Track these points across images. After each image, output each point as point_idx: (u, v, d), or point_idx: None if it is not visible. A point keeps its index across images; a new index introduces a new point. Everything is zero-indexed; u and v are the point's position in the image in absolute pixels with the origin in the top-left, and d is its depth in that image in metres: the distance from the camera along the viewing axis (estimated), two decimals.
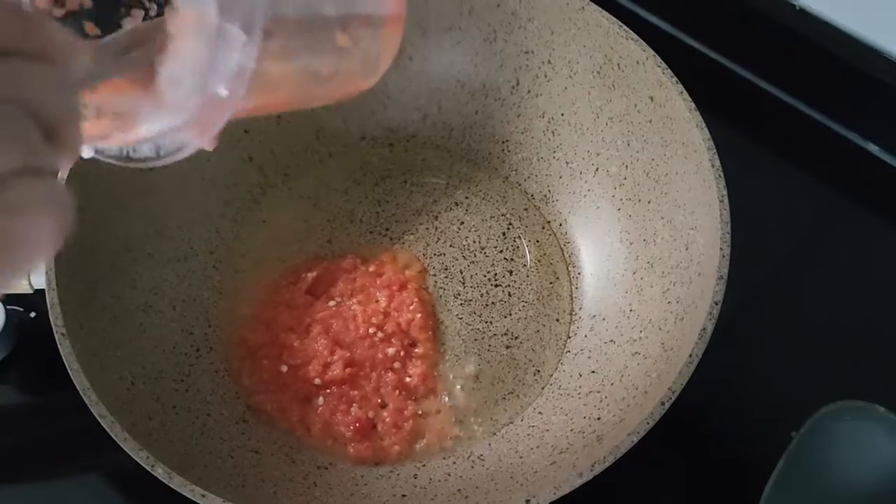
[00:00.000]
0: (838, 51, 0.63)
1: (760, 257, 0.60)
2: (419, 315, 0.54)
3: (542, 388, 0.53)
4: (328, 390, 0.52)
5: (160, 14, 0.34)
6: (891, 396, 0.56)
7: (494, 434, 0.52)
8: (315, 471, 0.50)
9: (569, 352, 0.54)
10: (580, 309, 0.56)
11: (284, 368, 0.52)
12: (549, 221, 0.59)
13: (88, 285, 0.49)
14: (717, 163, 0.48)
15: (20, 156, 0.24)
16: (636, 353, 0.50)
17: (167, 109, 0.28)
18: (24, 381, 0.58)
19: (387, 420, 0.51)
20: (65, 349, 0.44)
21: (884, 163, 0.65)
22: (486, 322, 0.56)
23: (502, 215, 0.59)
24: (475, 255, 0.58)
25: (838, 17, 0.63)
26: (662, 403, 0.42)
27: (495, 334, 0.55)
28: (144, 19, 0.34)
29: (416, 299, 0.55)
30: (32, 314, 0.59)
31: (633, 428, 0.42)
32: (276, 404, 0.52)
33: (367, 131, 0.62)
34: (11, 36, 0.24)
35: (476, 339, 0.55)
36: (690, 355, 0.44)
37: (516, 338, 0.55)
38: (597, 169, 0.57)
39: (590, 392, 0.51)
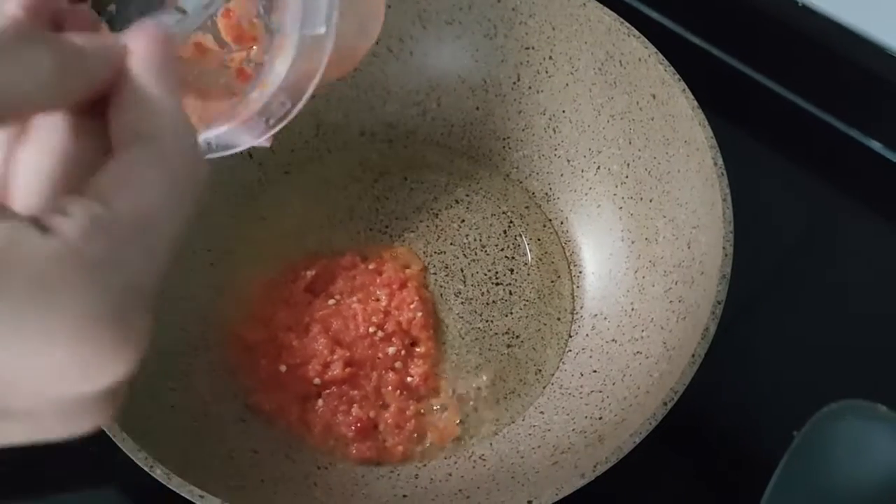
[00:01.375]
0: (841, 48, 0.62)
1: (762, 255, 0.59)
2: (420, 314, 0.54)
3: (544, 388, 0.53)
4: (328, 390, 0.51)
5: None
6: (893, 395, 0.56)
7: (496, 434, 0.52)
8: (315, 471, 0.50)
9: (570, 351, 0.54)
10: (581, 308, 0.55)
11: (283, 368, 0.52)
12: (550, 219, 0.59)
13: None
14: (720, 161, 0.48)
15: None
16: (638, 352, 0.50)
17: (280, 56, 0.30)
18: None
19: (388, 420, 0.51)
20: None
21: (886, 160, 0.64)
22: (487, 321, 0.55)
23: (503, 213, 0.59)
24: (476, 254, 0.58)
25: (841, 13, 0.63)
26: (665, 403, 0.42)
27: (496, 333, 0.55)
28: None
29: (416, 298, 0.54)
30: None
31: (635, 428, 0.42)
32: (275, 404, 0.51)
33: (367, 127, 0.61)
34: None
35: (477, 339, 0.55)
36: (693, 355, 0.43)
37: (517, 337, 0.55)
38: (598, 167, 0.57)
39: (591, 391, 0.51)
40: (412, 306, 0.54)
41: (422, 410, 0.52)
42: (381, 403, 0.52)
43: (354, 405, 0.51)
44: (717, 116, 0.50)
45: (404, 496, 0.48)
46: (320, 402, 0.51)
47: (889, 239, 0.62)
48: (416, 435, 0.51)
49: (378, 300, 0.54)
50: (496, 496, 0.46)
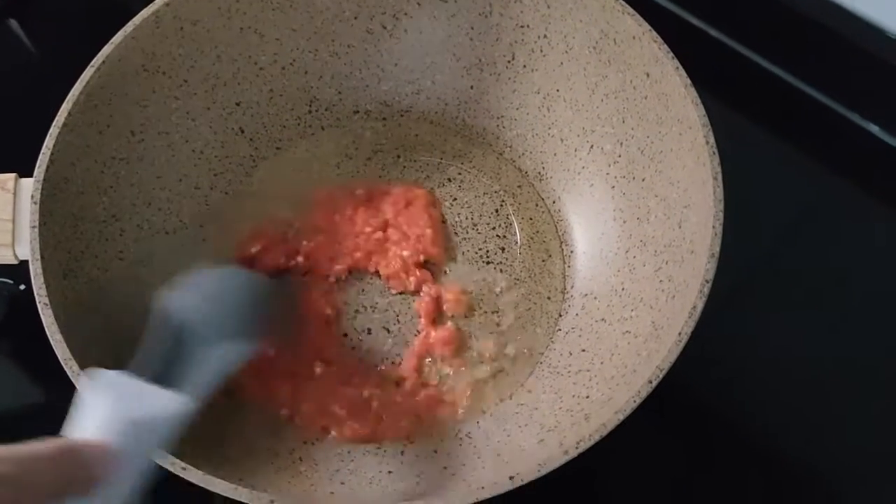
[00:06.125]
0: (839, 28, 0.62)
1: (756, 236, 0.59)
2: (429, 230, 0.55)
3: (533, 367, 0.53)
4: (319, 369, 0.51)
5: None
6: (886, 373, 0.56)
7: (483, 412, 0.51)
8: (301, 446, 0.50)
9: (560, 330, 0.54)
10: (572, 287, 0.55)
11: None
12: (542, 199, 0.58)
13: (74, 256, 0.49)
14: (712, 139, 0.48)
15: None
16: (627, 331, 0.50)
17: None
18: (14, 353, 0.58)
19: (381, 397, 0.51)
20: (46, 319, 0.44)
21: (884, 143, 0.64)
22: (477, 299, 0.55)
23: (495, 192, 0.59)
24: (467, 232, 0.57)
25: None
26: (650, 381, 0.42)
27: (486, 311, 0.55)
28: None
29: (425, 215, 0.55)
30: (22, 286, 0.59)
31: (620, 406, 0.42)
32: (265, 382, 0.51)
33: (361, 105, 0.61)
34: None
35: (467, 317, 0.54)
36: (680, 334, 0.43)
37: (507, 316, 0.55)
38: (591, 146, 0.56)
39: (579, 371, 0.51)
40: (421, 223, 0.55)
41: (418, 386, 0.52)
42: (374, 382, 0.52)
43: (347, 386, 0.51)
44: (711, 96, 0.50)
45: (389, 472, 0.48)
46: (314, 377, 0.51)
47: (883, 221, 0.62)
48: (406, 414, 0.51)
49: (384, 216, 0.56)
50: (481, 473, 0.46)
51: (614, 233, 0.54)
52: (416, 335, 0.54)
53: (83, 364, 0.43)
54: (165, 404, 0.37)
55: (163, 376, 0.39)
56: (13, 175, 0.50)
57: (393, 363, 0.53)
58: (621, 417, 0.41)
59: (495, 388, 0.52)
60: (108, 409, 0.35)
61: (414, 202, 0.57)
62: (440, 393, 0.52)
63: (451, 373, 0.52)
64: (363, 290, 0.55)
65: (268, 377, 0.51)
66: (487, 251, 0.57)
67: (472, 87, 0.60)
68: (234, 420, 0.49)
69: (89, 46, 0.51)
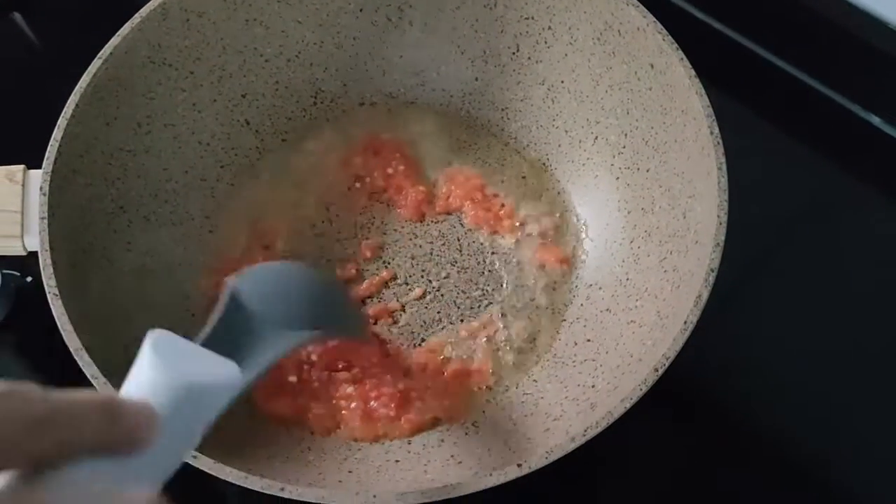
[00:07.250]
0: (841, 21, 0.62)
1: (760, 227, 0.59)
2: (402, 167, 0.58)
3: (538, 357, 0.53)
4: (343, 375, 0.51)
5: None
6: (887, 360, 0.56)
7: (488, 402, 0.52)
8: (308, 437, 0.50)
9: (565, 320, 0.54)
10: (577, 278, 0.55)
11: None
12: (547, 189, 0.59)
13: (82, 247, 0.49)
14: (716, 130, 0.48)
15: None
16: (632, 321, 0.50)
17: None
18: (21, 344, 0.58)
19: (414, 385, 0.51)
20: (57, 309, 0.44)
21: (886, 135, 0.64)
22: (483, 290, 0.55)
23: (501, 182, 0.59)
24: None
25: None
26: (656, 370, 0.42)
27: (491, 303, 0.55)
28: None
29: (397, 154, 0.58)
30: (28, 278, 0.59)
31: (626, 394, 0.42)
32: (289, 407, 0.51)
33: (366, 97, 0.61)
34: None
35: (472, 308, 0.55)
36: (685, 322, 0.43)
37: (512, 306, 0.55)
38: (596, 137, 0.56)
39: (585, 360, 0.51)
40: (393, 162, 0.58)
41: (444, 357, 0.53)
42: (404, 373, 0.52)
43: (384, 386, 0.51)
44: (715, 88, 0.50)
45: (396, 461, 0.49)
46: (349, 389, 0.51)
47: (886, 212, 0.62)
48: (449, 388, 0.52)
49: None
50: (487, 461, 0.47)
51: (619, 223, 0.55)
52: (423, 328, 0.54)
53: (93, 354, 0.43)
54: (222, 374, 0.36)
55: (222, 351, 0.37)
56: (22, 167, 0.50)
57: (406, 351, 0.53)
58: (627, 405, 0.42)
59: (501, 378, 0.52)
60: (165, 371, 0.32)
61: (381, 150, 0.59)
62: (464, 364, 0.52)
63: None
64: None
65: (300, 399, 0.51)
66: (493, 241, 0.57)
67: (476, 79, 0.60)
68: (243, 412, 0.49)
69: (92, 40, 0.52)
